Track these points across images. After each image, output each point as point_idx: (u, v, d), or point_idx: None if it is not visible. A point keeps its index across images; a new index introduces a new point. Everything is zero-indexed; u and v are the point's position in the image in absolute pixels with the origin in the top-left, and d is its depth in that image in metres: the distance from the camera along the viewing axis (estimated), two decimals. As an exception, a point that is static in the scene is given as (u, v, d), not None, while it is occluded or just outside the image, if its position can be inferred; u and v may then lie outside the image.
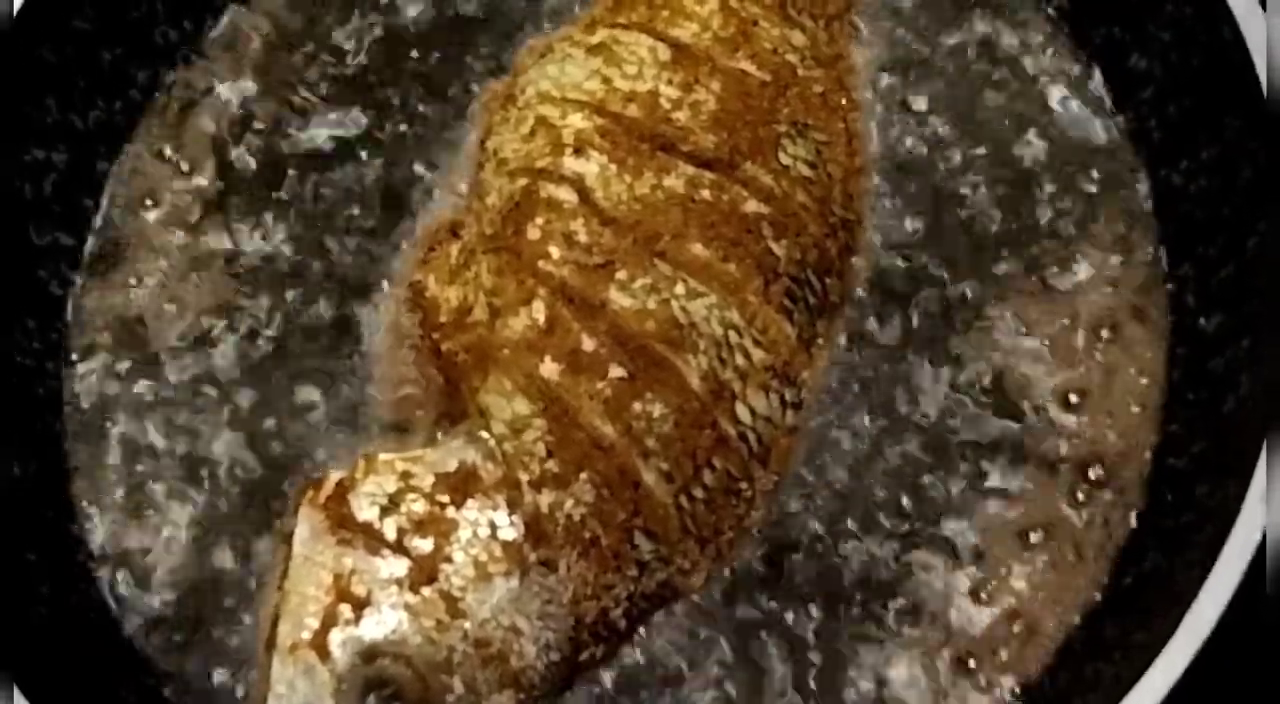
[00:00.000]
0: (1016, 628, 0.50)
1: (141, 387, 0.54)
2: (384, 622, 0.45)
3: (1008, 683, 0.49)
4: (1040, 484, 0.52)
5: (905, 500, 0.51)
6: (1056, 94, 0.57)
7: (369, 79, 0.58)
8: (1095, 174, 0.55)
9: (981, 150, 0.56)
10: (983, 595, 0.50)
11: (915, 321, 0.54)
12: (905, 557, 0.51)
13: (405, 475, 0.47)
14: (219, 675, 0.51)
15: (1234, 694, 0.47)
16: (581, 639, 0.47)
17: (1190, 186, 0.53)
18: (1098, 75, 0.57)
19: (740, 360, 0.48)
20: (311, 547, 0.46)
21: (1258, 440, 0.45)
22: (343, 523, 0.46)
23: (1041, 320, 0.54)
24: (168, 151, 0.58)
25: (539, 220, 0.49)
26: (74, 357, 0.55)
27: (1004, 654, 0.50)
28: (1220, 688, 0.45)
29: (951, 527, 0.51)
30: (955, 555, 0.51)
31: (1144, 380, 0.53)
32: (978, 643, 0.50)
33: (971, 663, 0.50)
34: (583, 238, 0.48)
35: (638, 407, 0.47)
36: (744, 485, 0.49)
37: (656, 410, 0.47)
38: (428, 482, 0.47)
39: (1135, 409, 0.52)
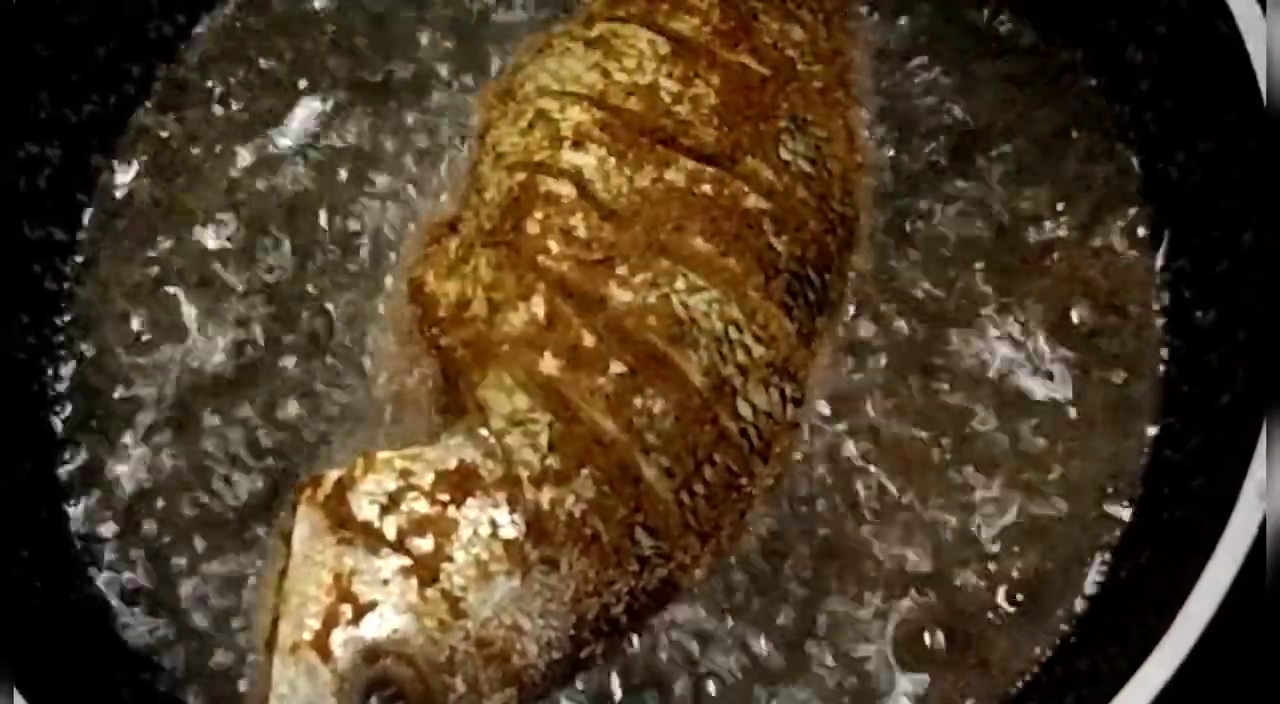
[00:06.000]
0: (1013, 621, 0.50)
1: (136, 383, 0.54)
2: (386, 621, 0.45)
3: (1004, 677, 0.50)
4: (1037, 478, 0.52)
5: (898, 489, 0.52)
6: (1052, 87, 0.57)
7: (365, 71, 0.58)
8: (1090, 167, 0.55)
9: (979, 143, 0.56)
10: (979, 589, 0.51)
11: (906, 323, 0.54)
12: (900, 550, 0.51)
13: (405, 474, 0.46)
14: (217, 670, 0.51)
15: (1230, 687, 0.48)
16: (583, 636, 0.47)
17: (1186, 180, 0.53)
18: (1093, 68, 0.57)
19: (741, 356, 0.48)
20: (311, 546, 0.45)
21: (1254, 434, 0.45)
22: (343, 522, 0.46)
23: (1037, 312, 0.54)
24: (161, 146, 0.57)
25: (538, 215, 0.48)
26: (67, 352, 0.55)
27: (1001, 647, 0.50)
28: (1216, 681, 0.45)
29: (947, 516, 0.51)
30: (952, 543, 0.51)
31: (1140, 373, 0.53)
32: (974, 637, 0.50)
33: (967, 656, 0.50)
34: (582, 232, 0.48)
35: (638, 402, 0.47)
36: (744, 481, 0.49)
37: (657, 406, 0.47)
38: (428, 480, 0.46)
39: (1131, 403, 0.53)
